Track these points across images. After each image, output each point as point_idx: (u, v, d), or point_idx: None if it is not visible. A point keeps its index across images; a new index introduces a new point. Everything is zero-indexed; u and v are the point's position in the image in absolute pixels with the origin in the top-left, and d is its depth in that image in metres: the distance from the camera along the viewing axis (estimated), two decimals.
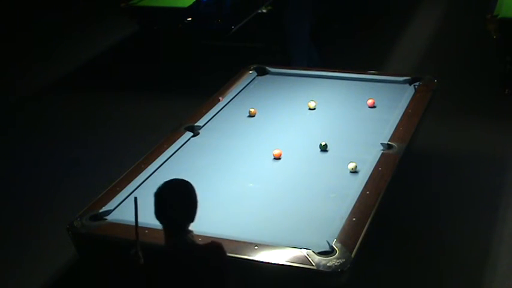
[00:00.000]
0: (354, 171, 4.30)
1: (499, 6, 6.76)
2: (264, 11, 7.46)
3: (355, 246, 3.53)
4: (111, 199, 4.15)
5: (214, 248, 3.05)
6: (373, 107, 5.22)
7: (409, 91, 5.37)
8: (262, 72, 5.96)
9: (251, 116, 5.18)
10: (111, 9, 8.73)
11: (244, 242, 3.60)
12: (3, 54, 9.13)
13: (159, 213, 2.96)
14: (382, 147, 4.52)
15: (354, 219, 3.74)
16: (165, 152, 4.69)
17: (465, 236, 4.86)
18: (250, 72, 5.92)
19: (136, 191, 4.29)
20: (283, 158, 4.57)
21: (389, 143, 4.55)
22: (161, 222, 2.97)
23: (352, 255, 3.47)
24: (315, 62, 7.20)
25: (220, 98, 5.45)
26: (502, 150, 5.93)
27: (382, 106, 5.22)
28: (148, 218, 3.93)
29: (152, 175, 4.47)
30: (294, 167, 4.49)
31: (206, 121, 5.14)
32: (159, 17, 7.74)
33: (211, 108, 5.30)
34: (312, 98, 5.33)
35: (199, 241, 3.10)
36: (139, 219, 3.02)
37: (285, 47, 7.24)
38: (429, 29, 8.92)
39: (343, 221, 3.74)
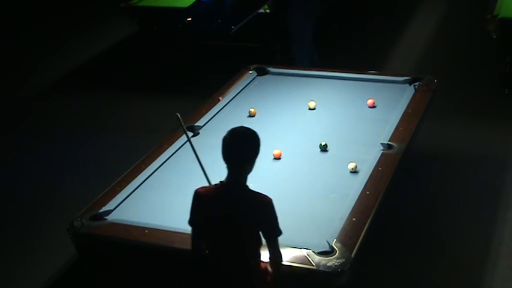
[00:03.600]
0: (354, 171, 4.30)
1: (499, 6, 6.77)
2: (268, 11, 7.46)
3: (355, 246, 3.53)
4: (111, 199, 4.15)
5: (262, 201, 3.09)
6: (373, 107, 5.22)
7: (409, 91, 5.37)
8: (262, 72, 5.96)
9: (251, 116, 5.18)
10: (111, 10, 8.73)
11: None
12: (4, 55, 9.14)
13: (222, 153, 3.15)
14: (382, 147, 4.52)
15: (354, 219, 3.74)
16: (165, 152, 4.69)
17: (465, 236, 4.86)
18: (250, 72, 5.92)
19: (136, 191, 4.30)
20: (283, 158, 4.57)
21: (389, 143, 4.55)
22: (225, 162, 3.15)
23: (352, 255, 3.47)
24: (314, 62, 7.21)
25: (220, 98, 5.45)
26: (502, 150, 5.93)
27: (382, 106, 5.22)
28: (149, 218, 3.96)
29: (152, 175, 4.47)
30: (294, 167, 4.49)
31: (206, 121, 5.14)
32: (159, 17, 7.74)
33: (211, 108, 5.30)
34: (312, 98, 5.33)
35: (250, 191, 3.14)
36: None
37: (289, 47, 7.24)
38: (429, 29, 8.93)
39: (343, 221, 3.75)
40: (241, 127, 3.21)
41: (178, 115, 3.76)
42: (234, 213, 3.12)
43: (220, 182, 3.19)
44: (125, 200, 4.19)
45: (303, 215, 3.93)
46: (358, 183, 4.11)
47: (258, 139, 3.15)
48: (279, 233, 3.16)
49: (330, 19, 8.27)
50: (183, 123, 3.73)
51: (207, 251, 3.28)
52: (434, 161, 5.82)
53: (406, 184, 5.12)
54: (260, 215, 3.11)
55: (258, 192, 3.14)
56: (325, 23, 7.93)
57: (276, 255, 3.19)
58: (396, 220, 4.92)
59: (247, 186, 3.14)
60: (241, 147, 3.12)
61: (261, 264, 3.25)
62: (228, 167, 3.15)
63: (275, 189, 4.21)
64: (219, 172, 4.45)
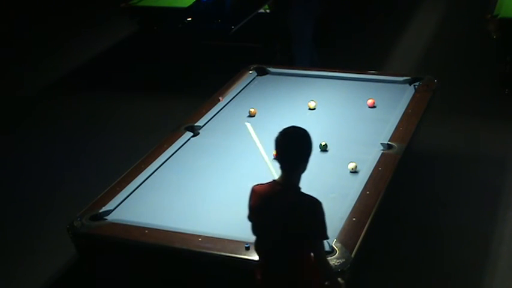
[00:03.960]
0: (354, 171, 4.30)
1: (499, 6, 6.77)
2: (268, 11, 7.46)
3: (355, 246, 3.53)
4: (111, 199, 4.15)
5: (311, 202, 3.09)
6: (373, 107, 5.22)
7: (409, 91, 5.37)
8: (262, 72, 5.96)
9: (251, 116, 5.18)
10: (111, 10, 8.73)
11: (244, 242, 3.60)
12: (3, 56, 9.13)
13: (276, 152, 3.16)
14: (382, 147, 4.52)
15: (354, 219, 3.74)
16: (165, 152, 4.69)
17: (465, 236, 4.86)
18: (250, 72, 5.92)
19: (136, 191, 4.30)
20: None
21: (389, 143, 4.55)
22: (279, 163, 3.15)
23: (352, 255, 3.48)
24: (315, 62, 7.20)
25: (220, 98, 5.45)
26: (502, 150, 5.93)
27: (382, 106, 5.21)
28: (149, 218, 3.96)
29: (152, 175, 4.47)
30: None
31: (206, 121, 5.14)
32: (159, 17, 7.74)
33: (211, 108, 5.30)
34: (312, 98, 5.33)
35: (301, 192, 3.14)
36: None
37: (289, 47, 7.24)
38: (429, 29, 8.93)
39: (343, 221, 3.75)
40: (293, 127, 3.18)
41: (248, 125, 3.78)
42: (282, 212, 3.10)
43: (273, 180, 3.19)
44: (125, 200, 4.19)
45: None
46: (358, 183, 4.11)
47: (310, 138, 3.13)
48: (325, 237, 3.13)
49: (329, 19, 8.27)
50: (253, 133, 3.64)
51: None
52: (434, 161, 5.82)
53: (406, 184, 5.12)
54: (306, 216, 3.09)
55: (308, 194, 3.13)
56: (325, 23, 7.93)
57: (319, 258, 3.16)
58: (396, 220, 4.92)
59: (299, 188, 3.13)
60: (295, 148, 3.11)
61: (308, 267, 3.20)
62: (281, 168, 3.14)
63: None
64: (218, 172, 4.49)
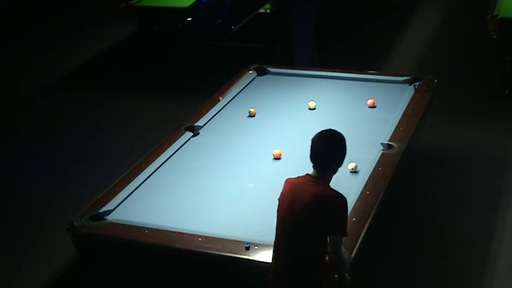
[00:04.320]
0: (354, 171, 4.30)
1: (499, 6, 6.76)
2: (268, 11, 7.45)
3: (355, 246, 3.53)
4: (111, 199, 4.15)
5: (335, 197, 3.18)
6: (373, 107, 5.22)
7: (409, 91, 5.37)
8: (262, 72, 5.96)
9: (251, 116, 5.18)
10: (111, 9, 8.73)
11: (244, 242, 3.60)
12: (3, 55, 9.14)
13: (311, 155, 3.27)
14: (382, 147, 4.52)
15: (354, 219, 3.74)
16: (165, 152, 4.69)
17: (465, 236, 4.86)
18: (250, 72, 5.92)
19: (136, 191, 4.30)
20: (283, 158, 4.57)
21: (389, 143, 4.55)
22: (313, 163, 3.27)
23: (352, 255, 3.48)
24: (315, 61, 7.20)
25: (220, 98, 5.45)
26: (502, 150, 5.93)
27: (382, 106, 5.22)
28: (149, 218, 3.96)
29: (152, 175, 4.47)
30: (294, 167, 4.47)
31: (206, 121, 5.14)
32: (159, 17, 7.74)
33: (211, 108, 5.30)
34: (312, 98, 5.33)
35: (329, 187, 3.23)
36: None
37: (289, 46, 7.24)
38: (429, 29, 8.93)
39: None
40: (330, 130, 3.31)
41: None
42: (310, 202, 3.16)
43: (307, 174, 3.26)
44: (125, 200, 4.19)
45: None
46: (358, 183, 4.11)
47: (345, 142, 3.27)
48: (343, 234, 3.19)
49: (330, 19, 8.27)
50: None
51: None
52: (434, 160, 5.82)
53: (406, 184, 5.12)
54: (334, 209, 3.17)
55: (335, 190, 3.21)
56: (326, 23, 7.93)
57: (335, 255, 3.21)
58: (396, 220, 4.92)
59: (329, 185, 3.23)
60: (332, 150, 3.23)
61: (326, 262, 3.27)
62: (314, 166, 3.23)
63: (275, 189, 4.20)
64: (218, 172, 4.49)
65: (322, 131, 3.29)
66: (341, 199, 3.18)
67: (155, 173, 4.50)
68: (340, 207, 3.17)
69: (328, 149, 3.22)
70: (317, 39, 7.32)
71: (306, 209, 3.15)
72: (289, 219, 3.21)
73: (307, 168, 4.44)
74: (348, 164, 4.32)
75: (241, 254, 3.55)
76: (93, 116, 7.23)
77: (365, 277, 4.21)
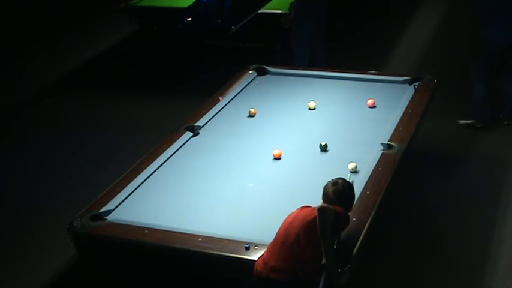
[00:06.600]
0: (354, 171, 4.30)
1: None
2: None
3: (355, 246, 3.53)
4: (111, 199, 4.15)
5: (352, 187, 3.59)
6: (373, 107, 5.22)
7: (409, 91, 5.37)
8: (262, 72, 5.96)
9: (251, 116, 5.19)
10: (111, 10, 8.73)
11: (244, 242, 3.60)
12: (3, 55, 9.13)
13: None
14: (382, 147, 4.52)
15: (354, 219, 3.74)
16: (165, 152, 4.69)
17: (465, 236, 4.86)
18: (250, 72, 5.92)
19: (136, 191, 4.30)
20: (283, 158, 4.57)
21: (389, 143, 4.55)
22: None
23: (352, 255, 3.47)
24: (320, 60, 7.18)
25: (220, 98, 5.45)
26: (502, 150, 5.93)
27: (382, 106, 5.22)
28: (149, 218, 3.97)
29: (152, 175, 4.47)
30: (294, 167, 4.49)
31: (206, 121, 5.14)
32: (159, 17, 7.74)
33: (211, 108, 5.30)
34: (312, 98, 5.33)
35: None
36: None
37: (289, 46, 7.24)
38: (429, 29, 8.93)
39: None
40: (342, 179, 3.60)
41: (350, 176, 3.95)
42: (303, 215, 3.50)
43: None
44: (125, 200, 4.19)
45: None
46: (358, 183, 4.11)
47: (353, 191, 3.62)
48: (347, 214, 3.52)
49: (334, 17, 8.25)
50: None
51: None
52: (434, 161, 5.82)
53: (406, 184, 5.12)
54: (346, 188, 3.55)
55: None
56: (330, 22, 7.91)
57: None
58: (396, 220, 4.92)
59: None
60: (341, 196, 3.54)
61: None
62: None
63: (275, 189, 4.24)
64: (219, 172, 4.49)
65: (334, 179, 3.60)
66: (352, 187, 3.57)
67: (155, 173, 4.50)
68: (352, 191, 3.57)
69: (340, 195, 3.52)
70: (322, 38, 7.27)
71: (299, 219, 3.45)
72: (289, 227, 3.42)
73: (307, 168, 4.47)
74: (348, 164, 4.32)
75: (241, 254, 3.55)
76: (93, 116, 7.23)
77: (365, 277, 4.21)
